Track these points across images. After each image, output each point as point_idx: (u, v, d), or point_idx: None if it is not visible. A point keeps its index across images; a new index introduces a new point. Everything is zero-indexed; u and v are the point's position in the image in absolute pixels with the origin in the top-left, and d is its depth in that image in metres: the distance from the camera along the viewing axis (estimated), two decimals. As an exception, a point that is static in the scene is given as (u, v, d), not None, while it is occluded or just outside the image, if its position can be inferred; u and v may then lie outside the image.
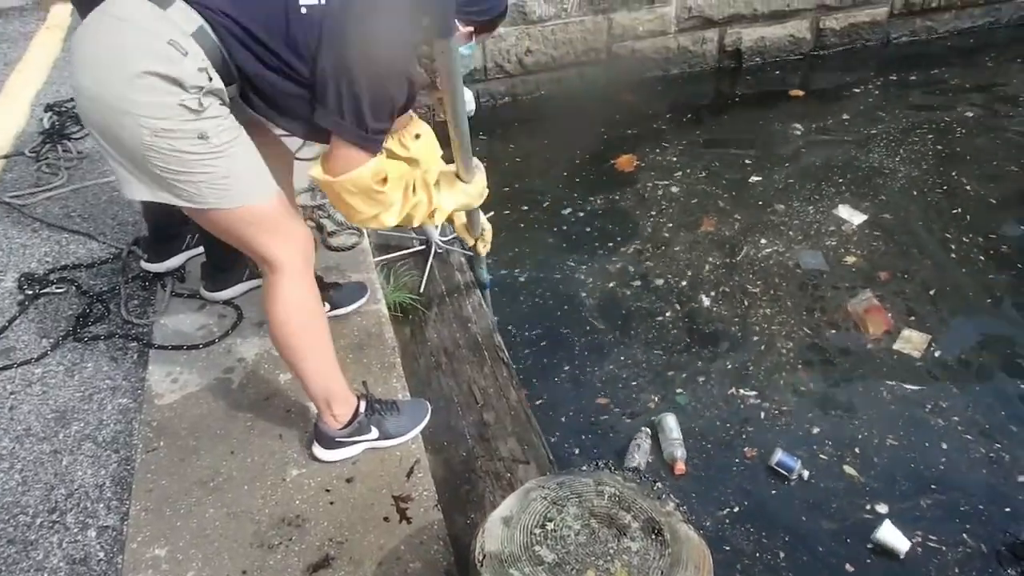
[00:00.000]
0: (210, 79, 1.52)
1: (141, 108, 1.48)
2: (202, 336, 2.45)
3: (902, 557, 2.54)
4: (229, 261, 2.50)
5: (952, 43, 6.16)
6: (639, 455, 2.79)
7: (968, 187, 4.36)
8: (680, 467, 2.77)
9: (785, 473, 2.78)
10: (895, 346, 3.30)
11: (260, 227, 1.71)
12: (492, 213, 3.39)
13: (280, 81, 1.61)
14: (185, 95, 1.49)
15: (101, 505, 2.01)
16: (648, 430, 2.91)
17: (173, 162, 1.55)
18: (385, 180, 1.73)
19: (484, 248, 2.70)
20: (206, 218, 1.69)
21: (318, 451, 2.01)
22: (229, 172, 1.61)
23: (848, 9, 5.90)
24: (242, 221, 1.68)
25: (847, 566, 2.51)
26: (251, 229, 1.70)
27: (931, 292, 3.61)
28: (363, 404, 1.99)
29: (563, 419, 3.04)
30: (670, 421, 2.91)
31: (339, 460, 2.01)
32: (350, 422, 1.96)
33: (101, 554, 1.90)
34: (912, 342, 3.29)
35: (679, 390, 3.14)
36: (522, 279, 3.84)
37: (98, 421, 2.23)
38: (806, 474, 2.79)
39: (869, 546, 2.57)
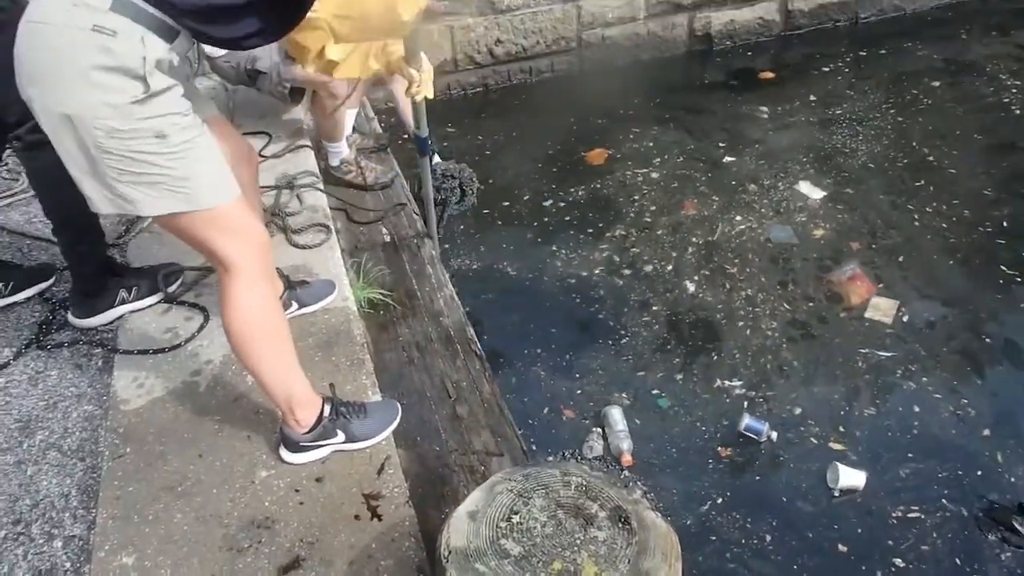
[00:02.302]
0: (144, 45, 1.44)
1: (92, 109, 1.44)
2: (168, 340, 2.41)
3: (862, 488, 2.66)
4: (97, 287, 2.45)
5: (919, 20, 6.21)
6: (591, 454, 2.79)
7: (931, 157, 4.47)
8: (627, 459, 2.77)
9: (754, 436, 2.86)
10: (867, 314, 3.39)
11: (219, 229, 1.67)
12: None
13: None
14: (135, 87, 1.44)
15: (67, 515, 1.98)
16: (599, 430, 2.92)
17: (130, 164, 1.51)
18: None
19: (425, 89, 2.45)
20: (164, 221, 1.66)
21: (284, 454, 1.99)
22: (188, 174, 1.57)
23: (816, -11, 5.93)
24: (201, 222, 1.65)
25: (840, 547, 2.54)
26: (209, 231, 1.66)
27: (899, 259, 3.72)
28: (327, 408, 1.96)
29: (535, 417, 3.04)
30: (615, 414, 2.93)
31: (306, 463, 1.99)
32: (314, 427, 1.93)
33: (68, 564, 1.86)
34: (881, 309, 3.39)
35: (655, 390, 3.13)
36: (511, 272, 3.85)
37: (63, 429, 2.19)
38: (774, 435, 2.87)
39: (835, 495, 2.67)
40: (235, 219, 1.69)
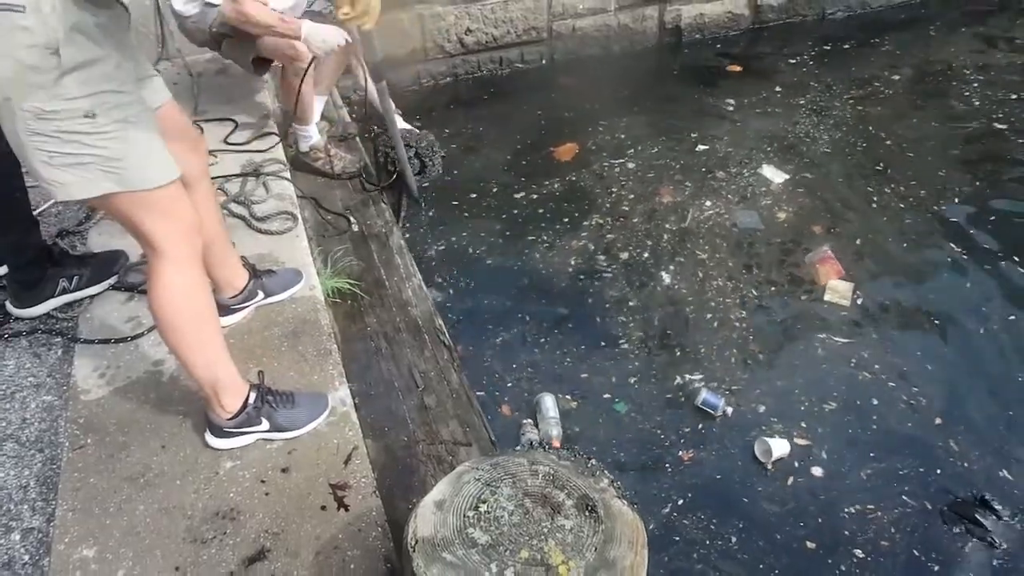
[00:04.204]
0: (55, 10, 1.39)
1: (21, 90, 1.41)
2: (131, 328, 2.37)
3: (787, 455, 2.75)
4: (36, 278, 2.42)
5: (886, 16, 6.29)
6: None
7: (888, 141, 4.58)
8: (556, 444, 2.80)
9: (711, 411, 2.91)
10: (825, 297, 3.46)
11: (150, 211, 1.66)
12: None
13: None
14: (53, 62, 1.41)
15: (25, 507, 1.94)
16: (530, 420, 2.92)
17: (60, 145, 1.49)
18: None
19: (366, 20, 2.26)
20: (99, 200, 1.63)
21: (209, 439, 1.99)
22: (121, 154, 1.55)
23: (784, -16, 5.98)
24: (134, 204, 1.63)
25: (808, 543, 2.55)
26: (140, 212, 1.65)
27: (857, 242, 3.80)
28: (253, 395, 1.95)
29: (499, 413, 3.02)
30: (547, 401, 2.94)
31: (229, 448, 1.98)
32: (237, 413, 1.93)
33: (26, 557, 1.83)
34: (839, 291, 3.47)
35: (605, 395, 3.09)
36: (481, 264, 3.79)
37: (21, 420, 2.15)
38: (730, 410, 2.92)
39: (769, 468, 2.73)
40: (168, 202, 1.68)
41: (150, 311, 1.78)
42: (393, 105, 3.07)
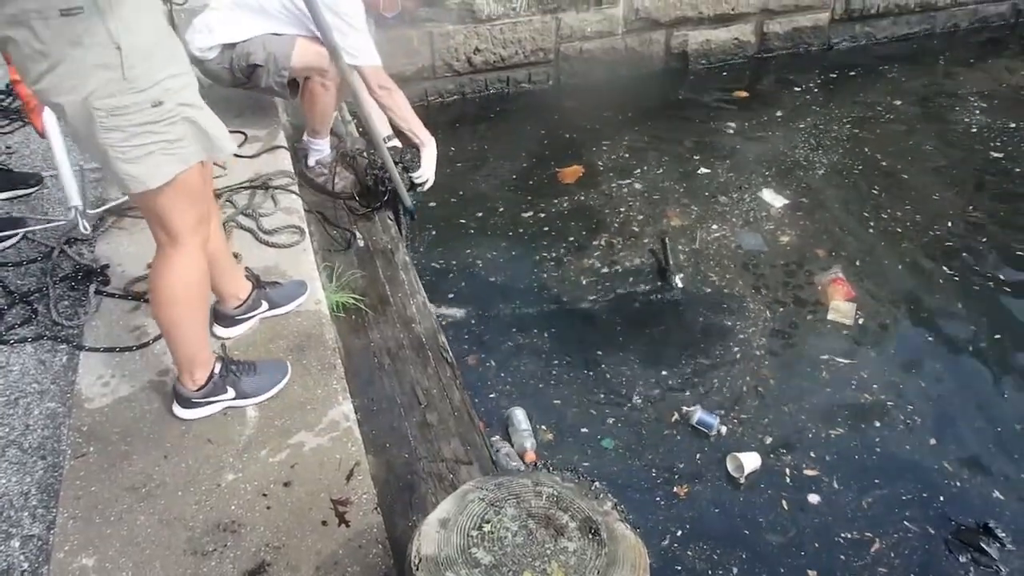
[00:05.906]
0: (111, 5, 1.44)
1: (91, 90, 1.46)
2: (136, 337, 2.37)
3: (759, 469, 2.79)
4: None
5: (892, 47, 6.36)
6: (511, 460, 2.79)
7: (885, 163, 4.69)
8: (531, 456, 2.82)
9: (705, 431, 2.94)
10: (829, 317, 3.54)
11: (188, 195, 1.72)
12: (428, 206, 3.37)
13: None
14: (116, 56, 1.45)
15: (26, 514, 1.94)
16: (498, 437, 2.94)
17: (132, 139, 1.54)
18: None
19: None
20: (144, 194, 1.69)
21: (177, 410, 2.05)
22: (181, 135, 1.62)
23: (791, 14, 6.04)
24: (177, 188, 1.68)
25: (809, 572, 2.56)
26: (180, 197, 1.71)
27: (856, 263, 3.88)
28: (218, 366, 2.02)
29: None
30: (518, 414, 2.97)
31: (197, 418, 2.04)
32: (204, 383, 2.00)
33: (25, 565, 1.83)
34: (841, 311, 3.56)
35: (598, 436, 3.01)
36: (483, 285, 3.80)
37: (24, 426, 2.15)
38: (724, 429, 2.95)
39: (742, 483, 2.76)
40: (200, 185, 1.76)
41: (151, 286, 1.85)
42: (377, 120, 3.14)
